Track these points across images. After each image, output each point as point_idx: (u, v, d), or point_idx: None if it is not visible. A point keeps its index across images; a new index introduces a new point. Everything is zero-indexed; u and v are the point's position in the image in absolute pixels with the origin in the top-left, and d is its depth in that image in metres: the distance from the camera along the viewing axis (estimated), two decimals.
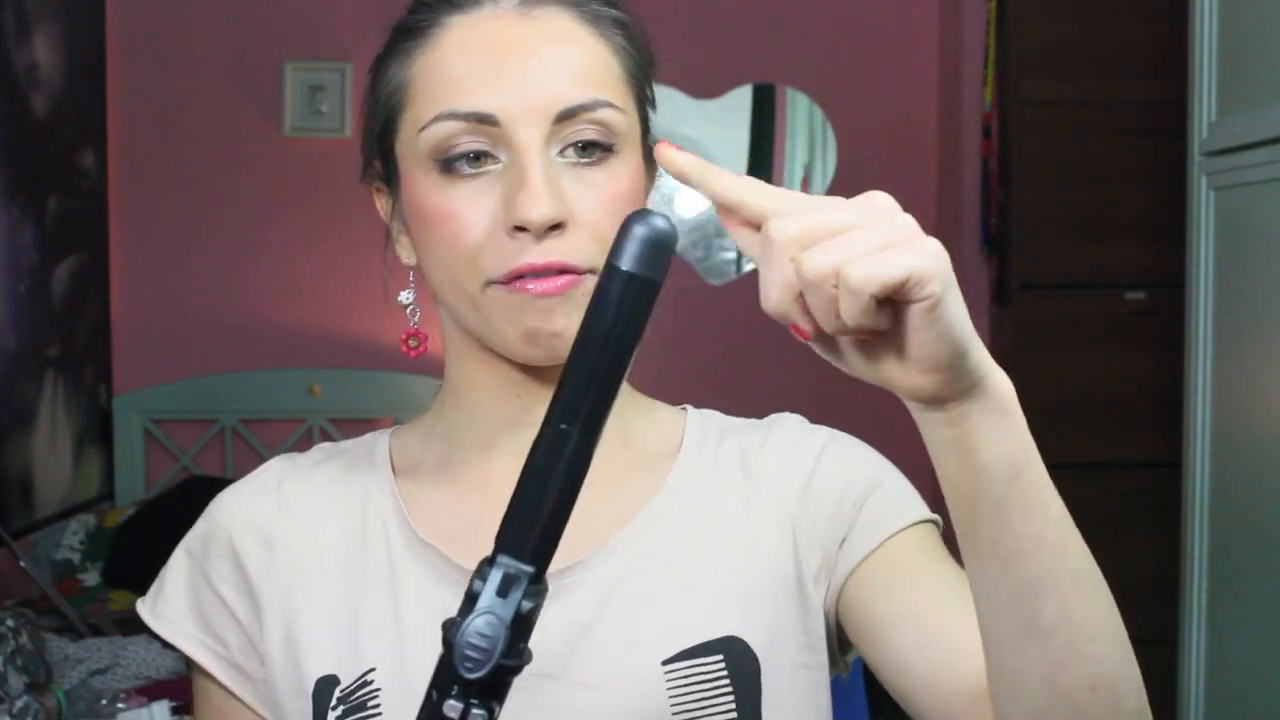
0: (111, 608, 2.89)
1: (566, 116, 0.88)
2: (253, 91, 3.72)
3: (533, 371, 0.94)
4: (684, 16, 3.67)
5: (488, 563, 0.66)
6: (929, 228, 0.65)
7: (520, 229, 0.86)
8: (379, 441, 1.02)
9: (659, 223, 0.64)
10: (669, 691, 0.90)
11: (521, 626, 0.65)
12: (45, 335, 3.24)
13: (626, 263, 0.63)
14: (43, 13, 3.23)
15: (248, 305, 3.73)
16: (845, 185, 3.80)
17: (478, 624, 0.64)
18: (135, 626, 2.62)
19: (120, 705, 2.28)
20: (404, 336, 0.97)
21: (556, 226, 0.86)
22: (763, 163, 3.89)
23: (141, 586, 1.04)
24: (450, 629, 0.65)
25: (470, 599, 0.65)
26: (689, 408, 1.05)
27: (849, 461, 0.98)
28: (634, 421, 1.00)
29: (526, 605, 0.65)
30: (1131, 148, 3.34)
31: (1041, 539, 0.72)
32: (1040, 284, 3.39)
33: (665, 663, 0.90)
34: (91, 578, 3.09)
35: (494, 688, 0.65)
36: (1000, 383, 0.70)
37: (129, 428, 3.65)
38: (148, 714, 2.19)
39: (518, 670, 0.65)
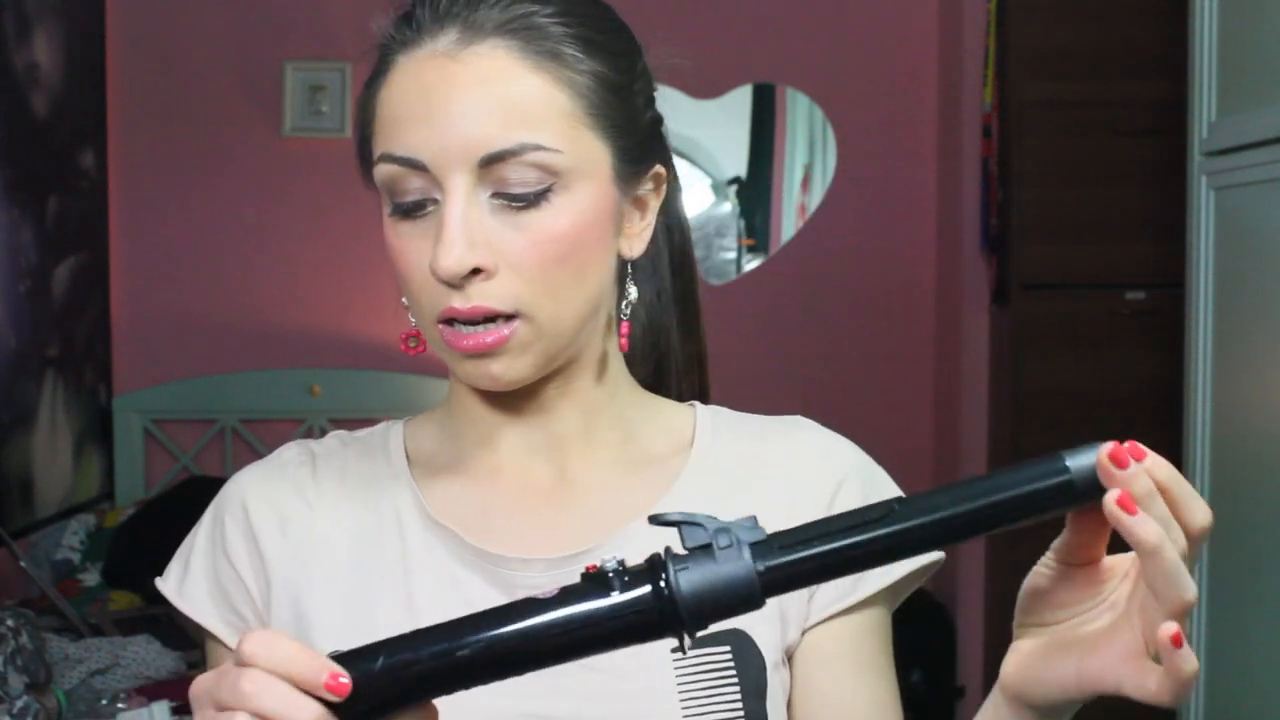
0: (111, 608, 2.88)
1: (493, 160, 0.87)
2: (253, 91, 3.72)
3: None
4: (684, 16, 3.67)
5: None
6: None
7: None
8: (393, 430, 1.04)
9: (1103, 453, 0.67)
10: (676, 678, 0.91)
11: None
12: (45, 335, 3.24)
13: (1071, 462, 0.66)
14: (43, 13, 3.23)
15: (248, 305, 3.73)
16: (845, 185, 3.81)
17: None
18: (135, 626, 2.62)
19: (120, 705, 2.28)
20: (403, 336, 0.98)
21: (478, 272, 0.87)
22: (762, 163, 3.90)
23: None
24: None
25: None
26: (697, 404, 1.05)
27: (869, 492, 0.98)
28: (636, 421, 1.01)
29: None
30: (1131, 148, 3.34)
31: None
32: (1040, 284, 3.39)
33: (673, 649, 0.91)
34: (91, 578, 3.09)
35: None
36: None
37: (129, 428, 3.65)
38: (147, 714, 2.19)
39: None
